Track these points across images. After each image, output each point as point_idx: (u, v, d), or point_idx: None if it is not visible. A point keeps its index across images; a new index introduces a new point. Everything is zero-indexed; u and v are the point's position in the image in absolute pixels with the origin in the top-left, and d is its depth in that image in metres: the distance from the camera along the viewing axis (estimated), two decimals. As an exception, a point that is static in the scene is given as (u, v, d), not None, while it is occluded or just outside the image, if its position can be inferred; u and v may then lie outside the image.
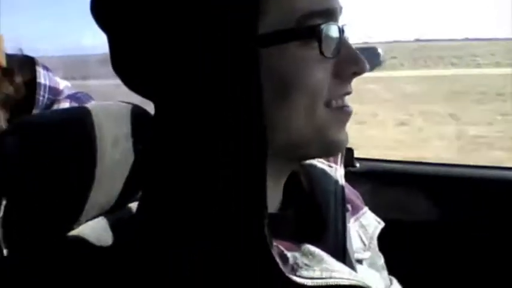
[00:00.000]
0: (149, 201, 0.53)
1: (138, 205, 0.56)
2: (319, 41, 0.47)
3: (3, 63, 0.92)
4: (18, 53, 0.98)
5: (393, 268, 0.72)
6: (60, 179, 0.67)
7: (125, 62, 0.51)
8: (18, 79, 0.93)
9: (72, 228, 0.71)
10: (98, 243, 0.71)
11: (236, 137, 0.44)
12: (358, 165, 1.17)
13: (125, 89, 0.54)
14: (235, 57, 0.44)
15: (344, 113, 0.52)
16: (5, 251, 0.87)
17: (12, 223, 0.83)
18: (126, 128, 0.77)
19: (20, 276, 0.66)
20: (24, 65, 0.95)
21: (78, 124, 0.70)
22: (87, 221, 0.73)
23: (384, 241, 0.70)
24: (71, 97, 0.95)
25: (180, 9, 0.45)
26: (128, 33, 0.49)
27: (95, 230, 0.74)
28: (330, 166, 0.63)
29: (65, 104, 0.93)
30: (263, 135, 0.44)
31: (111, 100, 0.84)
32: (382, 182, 1.24)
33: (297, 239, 0.51)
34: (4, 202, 0.87)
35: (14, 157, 0.66)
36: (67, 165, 0.67)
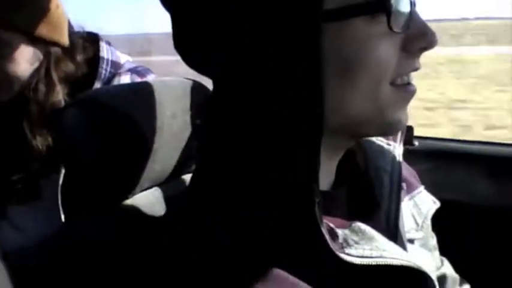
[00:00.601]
0: (203, 172, 0.54)
1: (192, 176, 0.57)
2: (388, 16, 0.44)
3: (66, 41, 0.95)
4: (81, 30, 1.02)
5: (446, 249, 0.71)
6: (118, 150, 0.70)
7: (186, 40, 0.52)
8: (80, 57, 0.96)
9: (127, 198, 0.75)
10: (150, 213, 0.75)
11: (293, 112, 0.44)
12: (417, 143, 1.14)
13: (183, 64, 0.55)
14: (298, 33, 0.43)
15: (408, 92, 0.50)
16: (62, 217, 0.93)
17: (71, 191, 0.88)
18: (184, 102, 0.79)
19: (77, 242, 0.70)
20: (87, 42, 0.99)
21: (138, 98, 0.73)
22: (141, 191, 0.77)
23: (439, 221, 0.69)
24: (131, 70, 0.98)
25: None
26: (190, 11, 0.49)
27: (148, 199, 0.77)
28: (388, 144, 0.62)
29: (126, 77, 0.96)
30: (320, 112, 0.43)
31: (171, 74, 0.86)
32: (440, 162, 1.21)
33: (349, 217, 0.51)
34: (63, 171, 0.92)
35: (75, 128, 0.70)
36: (126, 136, 0.70)
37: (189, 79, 0.86)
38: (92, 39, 0.99)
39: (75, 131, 0.69)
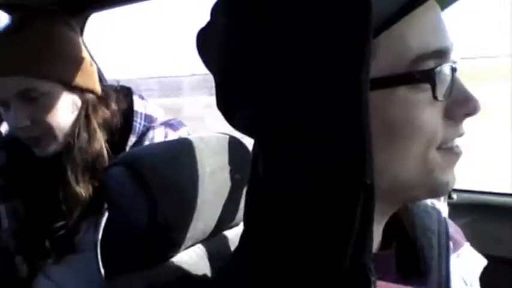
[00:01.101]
0: (251, 236, 0.54)
1: (241, 239, 0.57)
2: (433, 85, 0.44)
3: (99, 90, 0.98)
4: (115, 83, 1.05)
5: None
6: (162, 208, 0.70)
7: (228, 103, 0.53)
8: (114, 106, 0.99)
9: (171, 256, 0.75)
10: (194, 271, 0.74)
11: (343, 180, 0.44)
12: (455, 196, 1.12)
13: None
14: (342, 100, 0.43)
15: (455, 154, 0.49)
16: (102, 271, 0.93)
17: (112, 246, 0.89)
18: (222, 159, 0.80)
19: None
20: (120, 94, 1.02)
21: (179, 156, 0.74)
22: (185, 248, 0.77)
23: (485, 279, 0.67)
24: (165, 124, 1.00)
25: (282, 55, 0.44)
26: (232, 78, 0.50)
27: (191, 257, 0.78)
28: (432, 203, 0.62)
29: (160, 130, 0.98)
30: (372, 180, 0.42)
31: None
32: (481, 215, 1.18)
33: (399, 280, 0.50)
34: (102, 225, 0.93)
35: (121, 187, 0.72)
36: (169, 195, 0.71)
37: (225, 134, 0.87)
38: (125, 92, 1.02)
39: (121, 189, 0.71)
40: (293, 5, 0.44)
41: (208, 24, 0.55)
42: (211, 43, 0.54)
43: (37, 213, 0.98)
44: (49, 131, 0.91)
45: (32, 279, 1.00)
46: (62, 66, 0.91)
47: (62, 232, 0.95)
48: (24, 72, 0.87)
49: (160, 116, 1.02)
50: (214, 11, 0.54)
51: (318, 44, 0.43)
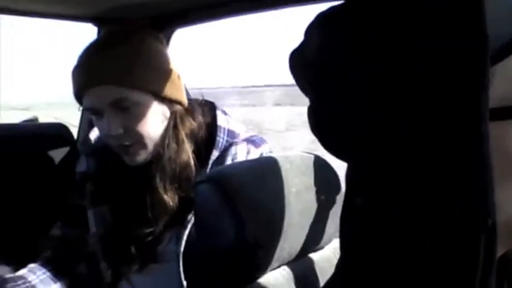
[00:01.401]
0: (350, 264, 0.51)
1: (339, 267, 0.54)
2: None
3: (186, 102, 1.00)
4: (199, 97, 1.07)
5: None
6: (249, 227, 0.69)
7: (321, 124, 0.51)
8: (200, 118, 1.01)
9: (257, 277, 0.74)
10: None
11: (463, 220, 0.41)
12: None
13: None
14: (461, 130, 0.41)
15: None
16: (184, 284, 0.93)
17: (197, 262, 0.89)
18: (308, 179, 0.78)
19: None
20: (204, 108, 1.03)
21: (265, 176, 0.73)
22: (271, 270, 0.75)
23: None
24: (247, 140, 1.00)
25: (388, 80, 0.43)
26: (328, 99, 0.49)
27: (277, 280, 0.75)
28: None
29: (242, 146, 0.98)
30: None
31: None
32: None
33: None
34: (185, 238, 0.93)
35: (208, 204, 0.71)
36: (256, 215, 0.70)
37: (311, 153, 0.85)
38: (209, 107, 1.04)
39: (208, 206, 0.71)
40: (403, 27, 0.43)
41: (302, 44, 0.54)
42: (304, 63, 0.53)
43: (124, 220, 1.00)
44: (140, 139, 0.94)
45: (115, 285, 1.03)
46: (152, 77, 0.94)
47: (147, 239, 0.97)
48: (118, 83, 0.90)
49: (243, 132, 1.02)
50: (309, 31, 0.53)
51: (433, 67, 0.41)
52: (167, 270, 0.97)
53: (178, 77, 0.99)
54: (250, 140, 1.00)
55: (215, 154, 0.96)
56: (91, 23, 1.46)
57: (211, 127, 0.99)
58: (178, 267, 0.92)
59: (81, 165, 1.11)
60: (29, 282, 0.98)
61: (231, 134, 0.99)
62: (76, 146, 1.57)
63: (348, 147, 0.50)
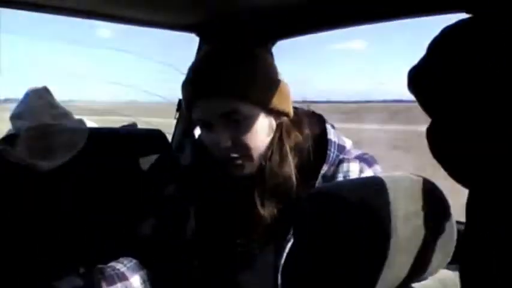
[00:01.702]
0: None
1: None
2: None
3: (292, 113, 0.98)
4: (305, 108, 1.04)
5: None
6: (351, 252, 0.65)
7: (449, 146, 0.48)
8: (307, 131, 0.98)
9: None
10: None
11: None
12: None
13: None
14: None
15: None
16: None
17: (297, 278, 0.86)
18: (417, 203, 0.73)
19: None
20: (312, 119, 1.00)
21: (372, 197, 0.69)
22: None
23: None
24: (359, 158, 0.96)
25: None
26: (455, 118, 0.45)
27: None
28: None
29: (355, 165, 0.94)
30: None
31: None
32: None
33: None
34: (285, 254, 0.91)
35: (311, 221, 0.69)
36: (361, 236, 0.66)
37: (419, 176, 0.79)
38: (318, 119, 1.01)
39: (311, 223, 0.68)
40: None
41: (425, 60, 0.51)
42: (429, 81, 0.49)
43: (218, 228, 0.99)
44: (248, 152, 0.93)
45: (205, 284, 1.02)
46: (264, 89, 0.93)
47: (240, 250, 0.95)
48: (231, 94, 0.90)
49: (351, 147, 0.99)
50: (433, 46, 0.50)
51: None
52: (262, 283, 0.95)
53: (286, 88, 0.97)
54: (362, 158, 0.96)
55: (324, 168, 0.94)
56: (193, 33, 1.50)
57: (320, 140, 0.96)
58: (276, 279, 0.90)
59: (185, 160, 1.13)
60: (118, 269, 1.00)
61: (341, 148, 0.96)
62: (171, 152, 1.62)
63: (477, 171, 0.45)
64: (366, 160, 0.96)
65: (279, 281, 0.91)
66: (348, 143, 0.99)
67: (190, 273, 1.02)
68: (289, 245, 0.91)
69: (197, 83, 0.93)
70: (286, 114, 0.97)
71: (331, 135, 0.96)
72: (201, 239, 1.01)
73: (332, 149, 0.94)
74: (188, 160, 1.11)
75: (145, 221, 1.18)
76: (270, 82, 0.94)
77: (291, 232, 0.91)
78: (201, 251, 1.01)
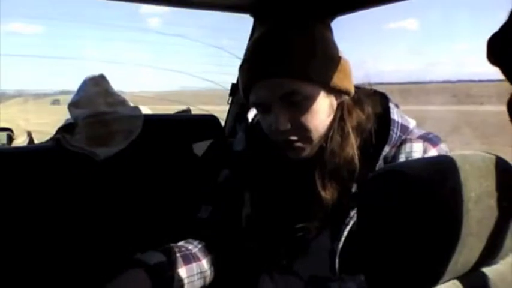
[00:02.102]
0: None
1: None
2: None
3: (353, 91, 0.94)
4: (368, 87, 1.00)
5: None
6: (421, 234, 0.62)
7: None
8: (369, 109, 0.94)
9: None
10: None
11: None
12: None
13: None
14: None
15: None
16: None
17: (355, 262, 0.83)
18: (490, 183, 0.68)
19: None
20: (374, 98, 0.96)
21: (444, 177, 0.65)
22: (441, 283, 0.67)
23: None
24: (423, 138, 0.91)
25: None
26: None
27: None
28: None
29: (418, 145, 0.89)
30: None
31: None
32: None
33: None
34: (344, 236, 0.88)
35: (377, 201, 0.66)
36: (431, 219, 0.62)
37: (491, 153, 0.74)
38: (380, 98, 0.96)
39: (377, 204, 0.65)
40: None
41: (505, 27, 0.47)
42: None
43: (275, 210, 0.97)
44: (307, 134, 0.91)
45: (257, 272, 1.01)
46: (325, 68, 0.89)
47: (299, 234, 0.93)
48: (291, 75, 0.87)
49: (415, 127, 0.94)
50: None
51: None
52: (317, 267, 0.93)
53: (347, 63, 0.93)
54: (426, 138, 0.91)
55: (386, 149, 0.90)
56: (248, 14, 1.47)
57: (383, 120, 0.92)
58: (333, 264, 0.88)
59: (237, 145, 1.11)
60: (190, 250, 1.01)
61: (404, 128, 0.91)
62: (224, 137, 1.62)
63: None
64: (430, 140, 0.91)
65: (336, 266, 0.89)
66: (411, 123, 0.94)
67: (247, 257, 1.02)
68: (347, 228, 0.88)
69: (256, 64, 0.90)
70: (348, 93, 0.93)
71: (395, 115, 0.92)
72: (257, 224, 1.00)
73: (395, 130, 0.90)
74: (241, 145, 1.10)
75: (201, 207, 1.19)
76: (331, 59, 0.91)
77: (350, 215, 0.88)
78: (257, 236, 1.00)
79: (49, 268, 1.29)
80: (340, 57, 0.92)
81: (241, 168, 1.06)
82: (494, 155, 0.73)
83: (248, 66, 0.92)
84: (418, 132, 0.93)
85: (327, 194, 0.89)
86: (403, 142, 0.90)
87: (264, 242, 0.98)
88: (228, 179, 1.11)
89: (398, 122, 0.91)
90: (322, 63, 0.89)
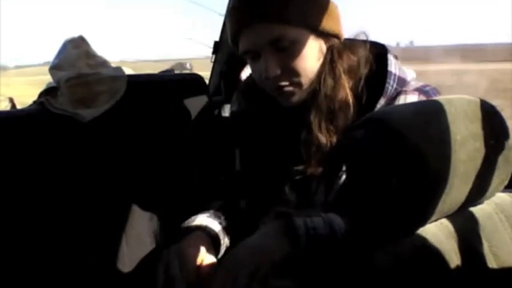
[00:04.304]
0: None
1: None
2: None
3: (343, 34, 0.94)
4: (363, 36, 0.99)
5: None
6: (411, 177, 0.63)
7: None
8: (359, 53, 0.94)
9: (415, 230, 0.68)
10: (437, 246, 0.67)
11: None
12: None
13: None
14: None
15: None
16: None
17: (349, 212, 0.85)
18: (474, 126, 0.70)
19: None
20: (367, 45, 0.95)
21: (429, 121, 0.66)
22: (429, 223, 0.69)
23: None
24: (418, 90, 0.91)
25: None
26: None
27: (435, 234, 0.70)
28: None
29: (413, 97, 0.89)
30: None
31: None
32: None
33: None
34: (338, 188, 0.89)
35: (364, 149, 0.67)
36: (419, 162, 0.63)
37: (475, 98, 0.76)
38: (378, 49, 0.95)
39: (365, 151, 0.66)
40: None
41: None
42: None
43: (274, 157, 0.99)
44: (297, 79, 0.91)
45: (254, 228, 1.04)
46: (310, 10, 0.88)
47: (299, 178, 0.94)
48: (277, 19, 0.86)
49: (413, 80, 0.94)
50: None
51: None
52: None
53: (335, 7, 0.92)
54: (422, 90, 0.91)
55: (381, 102, 0.90)
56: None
57: (380, 71, 0.91)
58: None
59: (233, 105, 1.12)
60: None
61: (401, 81, 0.91)
62: (209, 94, 1.61)
63: None
64: (427, 92, 0.90)
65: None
66: (409, 75, 0.93)
67: (245, 206, 1.03)
68: (340, 181, 0.90)
69: (243, 10, 0.89)
70: (337, 36, 0.93)
71: (392, 66, 0.91)
72: (254, 174, 1.01)
73: (391, 82, 0.90)
74: (236, 105, 1.10)
75: (188, 163, 1.19)
76: (318, 2, 0.90)
77: (343, 169, 0.89)
78: (253, 185, 1.01)
79: (37, 231, 1.29)
80: (327, 0, 0.91)
81: (236, 127, 1.07)
82: (480, 98, 0.74)
83: (234, 14, 0.92)
84: (415, 84, 0.92)
85: (324, 136, 0.90)
86: (399, 94, 0.90)
87: (259, 191, 1.00)
88: (215, 135, 1.12)
89: (395, 74, 0.91)
90: (309, 7, 0.88)
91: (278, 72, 0.89)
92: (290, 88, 0.91)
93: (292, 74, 0.90)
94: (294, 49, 0.88)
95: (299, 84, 0.91)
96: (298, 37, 0.88)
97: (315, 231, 0.75)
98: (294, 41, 0.87)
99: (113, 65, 1.50)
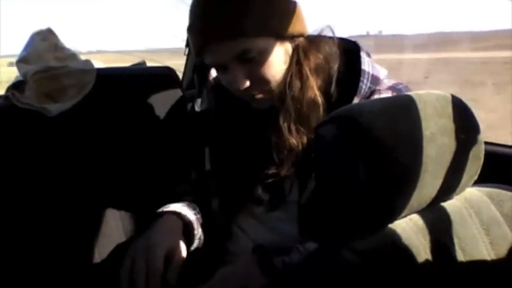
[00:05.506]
0: None
1: None
2: None
3: (307, 31, 0.93)
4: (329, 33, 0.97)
5: None
6: (381, 173, 0.63)
7: None
8: (325, 49, 0.92)
9: (384, 226, 0.68)
10: (408, 244, 0.67)
11: None
12: None
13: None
14: None
15: None
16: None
17: (320, 210, 0.85)
18: (444, 121, 0.69)
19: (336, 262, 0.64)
20: (334, 40, 0.94)
21: (398, 117, 0.65)
22: (399, 219, 0.69)
23: None
24: (392, 88, 0.91)
25: None
26: None
27: (405, 230, 0.69)
28: None
29: (387, 95, 0.89)
30: None
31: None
32: None
33: None
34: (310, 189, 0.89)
35: (332, 147, 0.66)
36: (388, 159, 0.63)
37: (446, 93, 0.75)
38: (349, 46, 0.94)
39: (333, 149, 0.65)
40: None
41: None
42: None
43: (246, 158, 0.97)
44: (267, 86, 0.90)
45: (226, 228, 1.02)
46: (271, 18, 0.87)
47: (272, 181, 0.93)
48: (238, 34, 0.84)
49: (386, 78, 0.93)
50: None
51: None
52: (286, 220, 0.94)
53: (295, 6, 0.90)
54: (395, 89, 0.91)
55: (355, 101, 0.89)
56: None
57: (353, 70, 0.90)
58: (300, 217, 0.89)
59: (203, 103, 1.10)
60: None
61: (374, 79, 0.90)
62: (182, 89, 1.59)
63: None
64: (400, 90, 0.90)
65: (301, 219, 0.90)
66: (382, 73, 0.93)
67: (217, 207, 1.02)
68: (313, 182, 0.89)
69: (204, 28, 0.86)
70: (301, 35, 0.92)
71: (365, 65, 0.90)
72: (225, 174, 1.00)
73: (365, 81, 0.89)
74: (206, 104, 1.09)
75: (159, 159, 1.17)
76: (280, 6, 0.88)
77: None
78: (224, 185, 1.00)
79: (4, 227, 1.26)
80: (288, 2, 0.89)
81: (205, 126, 1.05)
82: (451, 94, 0.74)
83: (196, 31, 0.89)
84: (387, 82, 0.92)
85: (295, 138, 0.89)
86: (373, 93, 0.90)
87: (233, 189, 0.99)
88: (186, 132, 1.10)
89: (368, 73, 0.90)
90: (268, 14, 0.85)
91: (247, 84, 0.87)
92: (261, 95, 0.90)
93: (262, 82, 0.88)
94: (261, 59, 0.86)
95: (270, 90, 0.90)
96: (263, 46, 0.86)
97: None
98: (259, 51, 0.86)
99: (91, 56, 1.47)
